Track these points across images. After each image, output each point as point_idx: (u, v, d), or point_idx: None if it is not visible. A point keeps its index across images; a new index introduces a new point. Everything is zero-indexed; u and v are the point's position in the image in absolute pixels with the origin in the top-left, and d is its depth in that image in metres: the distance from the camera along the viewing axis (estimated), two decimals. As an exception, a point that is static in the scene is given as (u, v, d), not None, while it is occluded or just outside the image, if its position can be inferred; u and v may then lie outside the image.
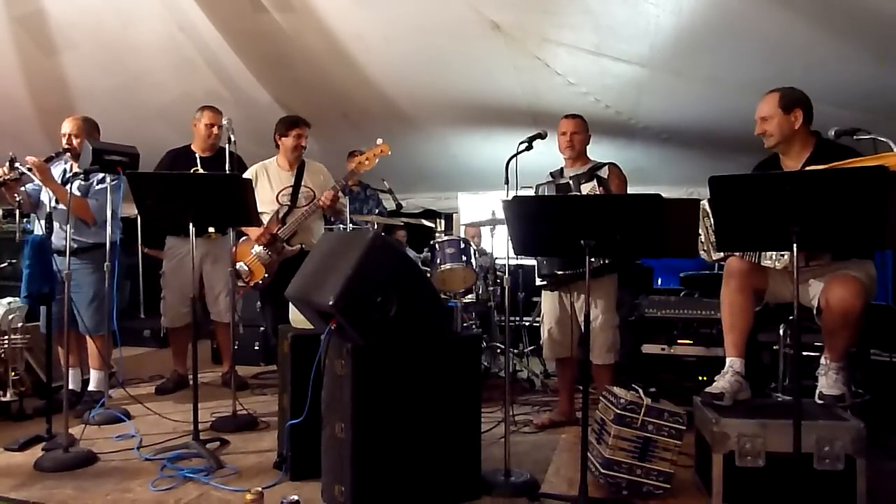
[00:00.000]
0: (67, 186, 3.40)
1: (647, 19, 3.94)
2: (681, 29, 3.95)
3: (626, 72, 4.48)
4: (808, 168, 2.65)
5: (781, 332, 3.11)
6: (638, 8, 3.88)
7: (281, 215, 4.11)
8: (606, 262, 3.36)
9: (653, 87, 4.62)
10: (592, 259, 2.47)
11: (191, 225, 3.14)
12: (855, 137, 2.59)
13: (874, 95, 4.07)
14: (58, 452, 2.94)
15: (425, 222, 5.21)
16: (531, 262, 4.13)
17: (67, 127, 3.81)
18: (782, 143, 2.82)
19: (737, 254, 2.82)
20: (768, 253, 2.73)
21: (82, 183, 3.64)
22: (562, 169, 3.69)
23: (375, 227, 4.59)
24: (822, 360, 2.67)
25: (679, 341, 3.60)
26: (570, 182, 3.49)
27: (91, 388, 3.88)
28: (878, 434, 2.93)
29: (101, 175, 3.63)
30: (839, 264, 2.68)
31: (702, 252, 2.93)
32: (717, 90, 4.44)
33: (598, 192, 3.37)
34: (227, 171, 3.81)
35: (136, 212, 3.27)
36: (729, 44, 4.01)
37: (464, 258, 4.20)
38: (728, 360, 2.76)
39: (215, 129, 4.26)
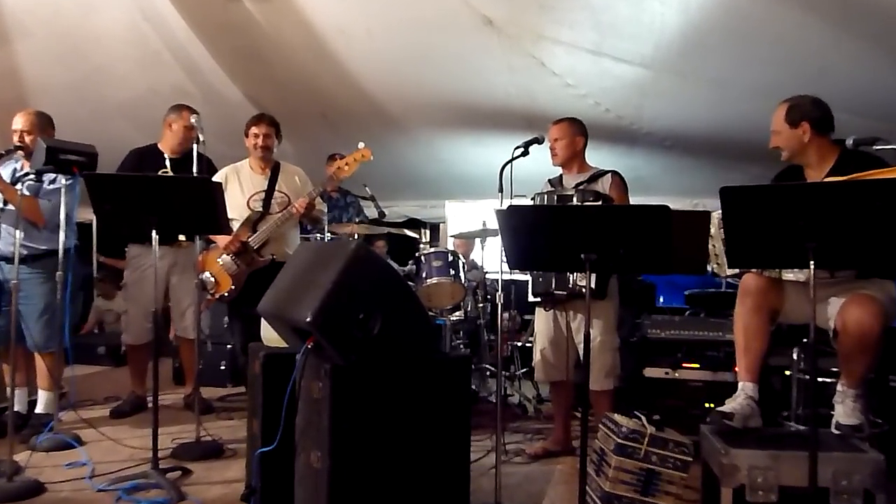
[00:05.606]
0: (16, 186, 3.37)
1: (651, 17, 3.97)
2: (688, 28, 3.98)
3: (629, 73, 4.51)
4: (826, 179, 2.66)
5: (795, 355, 3.12)
6: (642, 5, 3.91)
7: (252, 222, 4.08)
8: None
9: (657, 90, 4.66)
10: (588, 276, 2.47)
11: (154, 232, 3.11)
12: (875, 148, 2.61)
13: (894, 103, 4.12)
14: (1, 481, 2.88)
15: (409, 232, 5.20)
16: (525, 277, 4.13)
17: (19, 123, 3.78)
18: (795, 157, 2.85)
19: (754, 270, 2.82)
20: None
21: (32, 183, 3.59)
22: (561, 177, 3.70)
23: (356, 236, 4.58)
24: (839, 387, 2.67)
25: (684, 365, 3.62)
26: (574, 197, 3.48)
27: (39, 410, 3.83)
28: (898, 467, 2.95)
29: (52, 175, 3.59)
30: (860, 283, 2.69)
31: (715, 266, 2.93)
32: (726, 94, 4.48)
33: None
34: (196, 173, 3.78)
35: (92, 216, 3.23)
36: (739, 45, 4.05)
37: (451, 272, 4.20)
38: (740, 383, 2.76)
39: (193, 132, 4.22)
